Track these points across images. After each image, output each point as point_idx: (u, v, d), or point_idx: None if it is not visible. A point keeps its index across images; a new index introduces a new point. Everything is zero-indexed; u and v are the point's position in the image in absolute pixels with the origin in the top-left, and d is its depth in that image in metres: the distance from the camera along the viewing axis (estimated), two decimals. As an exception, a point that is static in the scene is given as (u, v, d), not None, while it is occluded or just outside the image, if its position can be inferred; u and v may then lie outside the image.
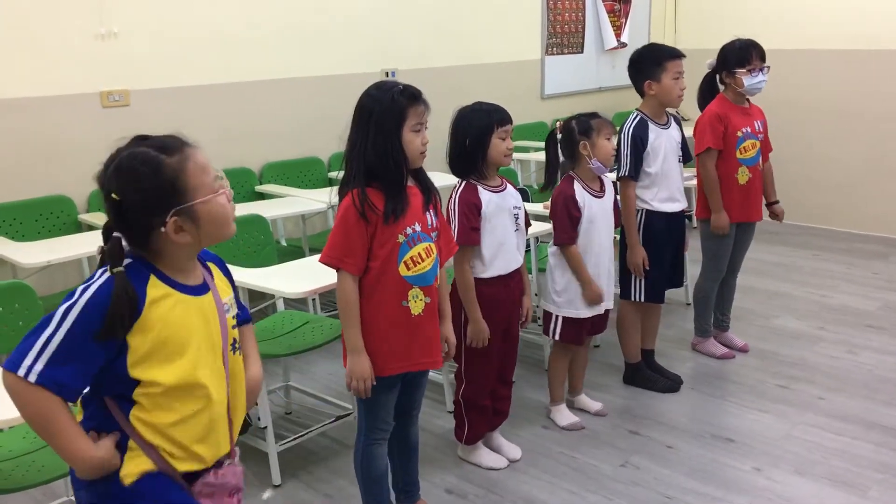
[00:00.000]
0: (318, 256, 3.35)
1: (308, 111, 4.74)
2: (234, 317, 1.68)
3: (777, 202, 3.91)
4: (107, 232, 1.52)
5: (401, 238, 2.22)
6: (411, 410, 2.54)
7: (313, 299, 3.88)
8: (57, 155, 3.85)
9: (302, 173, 4.75)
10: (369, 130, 2.17)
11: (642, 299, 3.51)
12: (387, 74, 5.06)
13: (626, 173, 3.38)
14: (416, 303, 2.28)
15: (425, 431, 3.08)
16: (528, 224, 2.95)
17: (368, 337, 2.26)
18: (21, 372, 1.43)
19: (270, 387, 3.33)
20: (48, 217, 3.82)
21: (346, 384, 2.31)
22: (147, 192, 1.46)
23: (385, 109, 2.17)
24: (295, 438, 3.07)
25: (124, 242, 1.49)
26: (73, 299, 1.46)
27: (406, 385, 2.43)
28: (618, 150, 3.40)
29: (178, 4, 4.16)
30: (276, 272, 3.11)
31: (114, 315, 1.44)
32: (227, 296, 1.67)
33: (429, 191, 2.34)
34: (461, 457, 3.07)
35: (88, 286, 1.47)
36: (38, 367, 1.42)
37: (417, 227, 2.26)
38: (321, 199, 4.09)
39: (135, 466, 1.54)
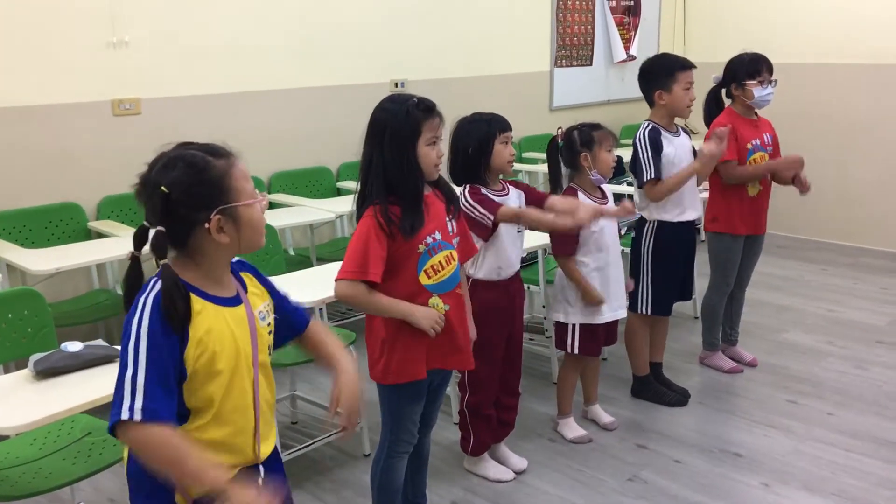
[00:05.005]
0: (326, 266, 3.41)
1: (317, 121, 4.75)
2: (268, 323, 1.70)
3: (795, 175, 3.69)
4: (141, 232, 1.54)
5: (421, 248, 2.21)
6: (430, 422, 2.54)
7: (321, 309, 3.87)
8: (67, 163, 3.87)
9: (310, 183, 4.76)
10: (384, 145, 2.16)
11: (649, 312, 3.49)
12: (396, 85, 5.07)
13: (651, 176, 3.29)
14: (436, 310, 2.26)
15: (432, 443, 3.06)
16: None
17: (395, 344, 2.26)
18: (124, 416, 1.42)
19: (276, 397, 3.32)
20: (58, 224, 3.83)
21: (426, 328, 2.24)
22: (195, 188, 1.50)
23: (400, 124, 2.15)
24: (301, 448, 3.07)
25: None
26: (134, 328, 1.47)
27: (427, 395, 2.42)
28: (634, 159, 3.36)
29: (188, 14, 4.19)
30: (284, 281, 3.10)
31: (167, 303, 1.46)
32: (262, 303, 1.70)
33: (451, 197, 2.34)
34: (467, 469, 3.05)
35: (140, 305, 1.49)
36: (138, 404, 1.43)
37: (438, 236, 2.25)
38: (329, 208, 4.09)
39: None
